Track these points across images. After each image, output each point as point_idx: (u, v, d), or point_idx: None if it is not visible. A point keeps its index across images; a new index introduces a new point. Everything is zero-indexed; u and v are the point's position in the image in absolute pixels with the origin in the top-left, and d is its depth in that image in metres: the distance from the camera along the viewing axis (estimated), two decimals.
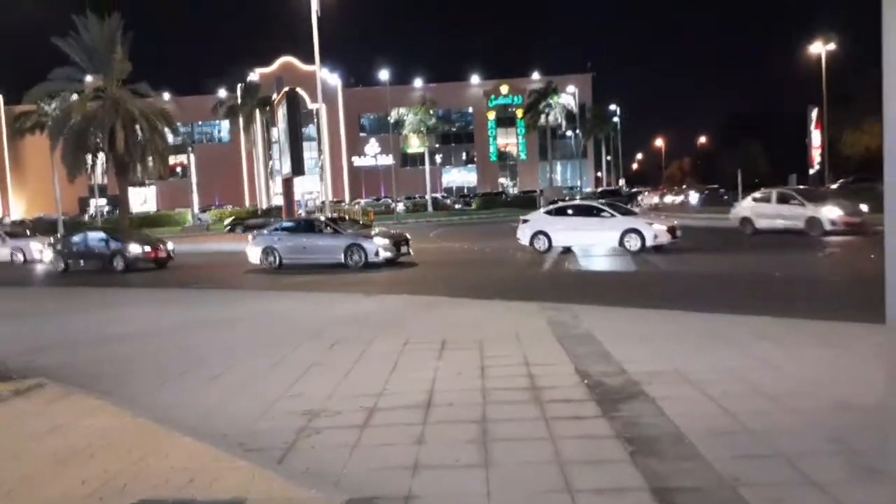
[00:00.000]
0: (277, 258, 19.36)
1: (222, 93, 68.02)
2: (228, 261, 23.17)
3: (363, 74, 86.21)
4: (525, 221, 21.00)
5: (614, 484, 3.81)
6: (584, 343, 7.47)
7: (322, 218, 24.32)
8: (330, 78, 76.98)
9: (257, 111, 60.69)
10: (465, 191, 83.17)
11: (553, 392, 5.65)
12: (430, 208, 62.95)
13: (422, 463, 4.24)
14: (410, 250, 19.41)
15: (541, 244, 19.99)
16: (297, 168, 30.83)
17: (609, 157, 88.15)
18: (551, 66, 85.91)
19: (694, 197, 56.21)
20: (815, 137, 53.17)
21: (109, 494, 3.69)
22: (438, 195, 71.24)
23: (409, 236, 20.12)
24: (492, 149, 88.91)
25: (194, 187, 66.82)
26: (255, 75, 74.10)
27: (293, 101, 31.90)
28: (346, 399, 5.69)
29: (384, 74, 64.89)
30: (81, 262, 22.75)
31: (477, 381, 6.11)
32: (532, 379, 6.10)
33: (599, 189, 65.54)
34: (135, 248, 21.99)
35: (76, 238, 23.79)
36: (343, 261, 18.37)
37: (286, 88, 33.46)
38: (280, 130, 35.42)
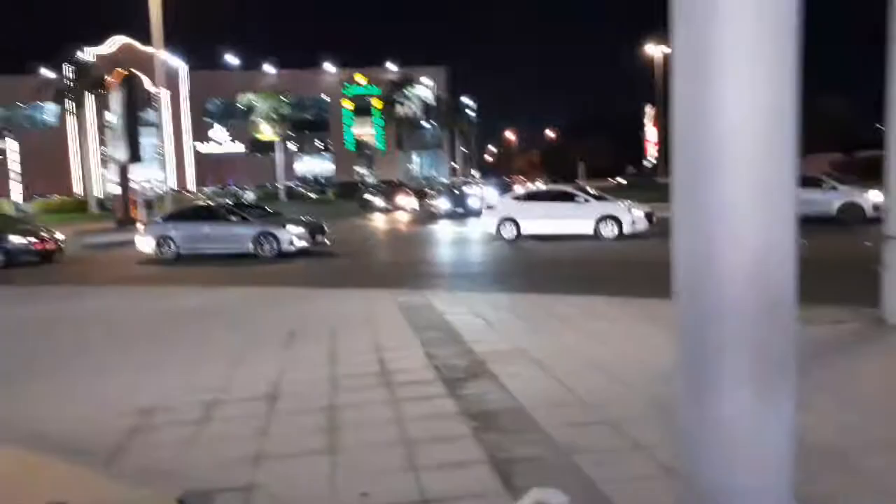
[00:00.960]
0: (174, 248, 17.74)
1: (49, 73, 61.82)
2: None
3: (210, 58, 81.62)
4: (490, 208, 19.92)
5: (457, 459, 3.92)
6: (434, 327, 7.62)
7: (228, 203, 22.42)
8: (172, 60, 72.44)
9: (91, 94, 55.80)
10: (322, 180, 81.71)
11: (402, 375, 5.72)
12: (283, 197, 61.23)
13: (265, 453, 4.13)
14: (327, 239, 18.29)
15: (508, 232, 18.81)
16: (134, 155, 28.90)
17: (464, 149, 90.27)
18: (407, 58, 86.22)
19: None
20: (651, 133, 57.71)
21: None
22: (292, 184, 69.40)
23: (325, 224, 18.99)
24: (348, 138, 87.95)
25: (15, 175, 60.38)
26: (87, 55, 68.08)
27: (130, 85, 29.85)
28: (185, 395, 5.41)
29: (232, 58, 62.14)
30: None
31: (326, 369, 6.05)
32: (382, 364, 6.13)
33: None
34: (17, 240, 18.62)
35: None
36: (253, 250, 17.03)
37: (122, 70, 31.15)
38: (116, 115, 32.91)
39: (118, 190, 34.31)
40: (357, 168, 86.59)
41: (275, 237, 17.09)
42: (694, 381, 1.55)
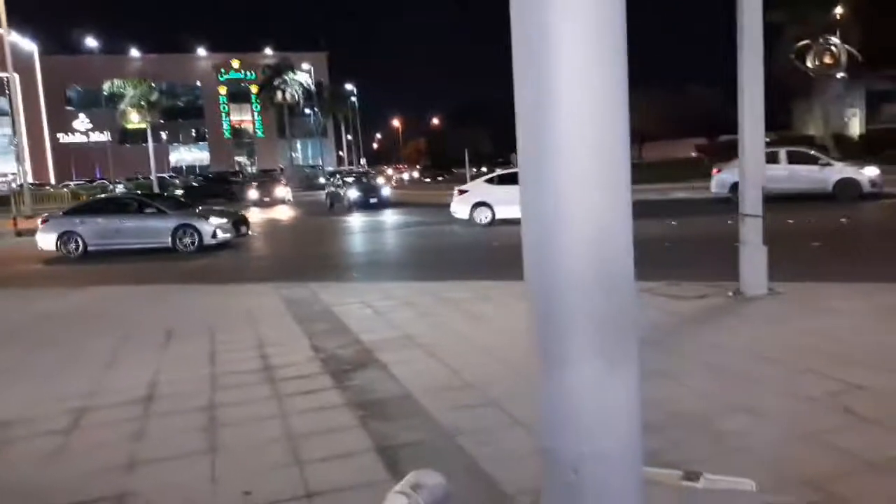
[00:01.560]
0: (80, 244, 16.16)
1: None
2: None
3: (68, 41, 75.90)
4: (463, 192, 19.18)
5: (342, 450, 3.91)
6: (321, 319, 7.53)
7: (140, 195, 20.39)
8: (22, 42, 66.53)
9: None
10: (197, 170, 78.06)
11: (287, 370, 5.61)
12: (156, 189, 57.98)
13: (140, 458, 3.94)
14: (251, 230, 17.37)
15: (483, 217, 18.21)
16: None
17: (349, 137, 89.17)
18: (285, 43, 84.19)
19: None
20: None
21: None
22: (166, 175, 65.86)
23: (247, 215, 17.98)
24: (225, 125, 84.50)
25: None
26: None
27: None
28: (49, 404, 5.04)
29: (93, 42, 57.86)
30: None
31: (206, 368, 5.83)
32: (266, 360, 5.99)
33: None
34: None
35: None
36: (171, 245, 15.85)
37: None
38: None
39: None
40: (237, 158, 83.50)
41: (196, 230, 16.01)
42: (545, 356, 1.64)
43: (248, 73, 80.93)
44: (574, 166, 1.52)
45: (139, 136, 68.03)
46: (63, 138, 73.32)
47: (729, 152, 14.95)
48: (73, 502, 3.29)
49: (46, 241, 16.57)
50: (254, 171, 72.68)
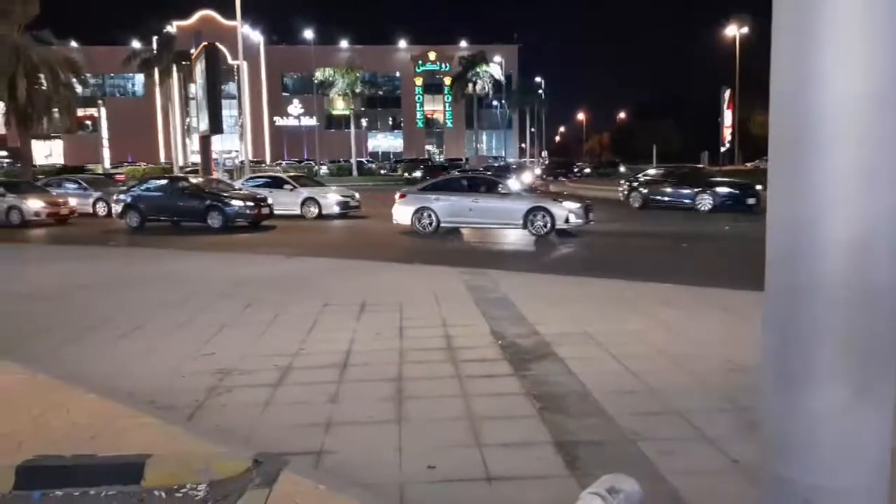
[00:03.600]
0: (434, 220, 16.51)
1: (136, 44, 64.33)
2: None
3: (287, 32, 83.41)
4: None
5: (521, 438, 3.95)
6: (500, 306, 7.63)
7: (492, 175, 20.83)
8: (252, 34, 74.18)
9: (174, 66, 57.66)
10: (391, 156, 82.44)
11: (468, 352, 5.77)
12: (354, 173, 62.10)
13: (335, 420, 4.26)
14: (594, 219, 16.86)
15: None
16: (215, 126, 29.78)
17: (533, 129, 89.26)
18: (479, 35, 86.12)
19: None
20: (727, 117, 55.50)
21: (2, 452, 3.53)
22: (364, 159, 70.28)
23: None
24: (418, 115, 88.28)
25: (105, 142, 63.35)
26: (172, 28, 70.45)
27: (212, 57, 30.66)
28: (260, 359, 5.62)
29: (309, 33, 63.11)
30: None
31: (395, 341, 6.16)
32: (448, 340, 6.20)
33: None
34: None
35: None
36: (522, 226, 15.79)
37: (205, 43, 32.08)
38: (198, 86, 34.02)
39: (199, 158, 35.63)
40: (427, 146, 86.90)
41: (549, 213, 15.66)
42: (780, 374, 1.48)
43: (443, 65, 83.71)
44: (837, 164, 1.35)
45: (343, 121, 73.34)
46: (278, 121, 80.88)
47: None
48: (282, 451, 3.63)
49: (402, 215, 16.99)
50: (441, 159, 75.21)
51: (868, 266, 1.37)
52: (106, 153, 62.53)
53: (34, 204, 20.66)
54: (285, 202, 21.64)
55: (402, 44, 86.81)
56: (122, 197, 20.23)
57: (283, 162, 66.49)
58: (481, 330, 6.56)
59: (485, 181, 18.00)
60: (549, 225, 15.66)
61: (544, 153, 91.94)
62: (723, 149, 55.08)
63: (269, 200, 20.16)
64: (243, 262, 11.93)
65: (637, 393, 4.76)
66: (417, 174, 42.54)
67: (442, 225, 16.58)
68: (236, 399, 4.69)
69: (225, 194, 19.79)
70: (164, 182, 21.98)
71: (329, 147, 72.03)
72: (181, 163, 59.48)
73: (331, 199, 22.25)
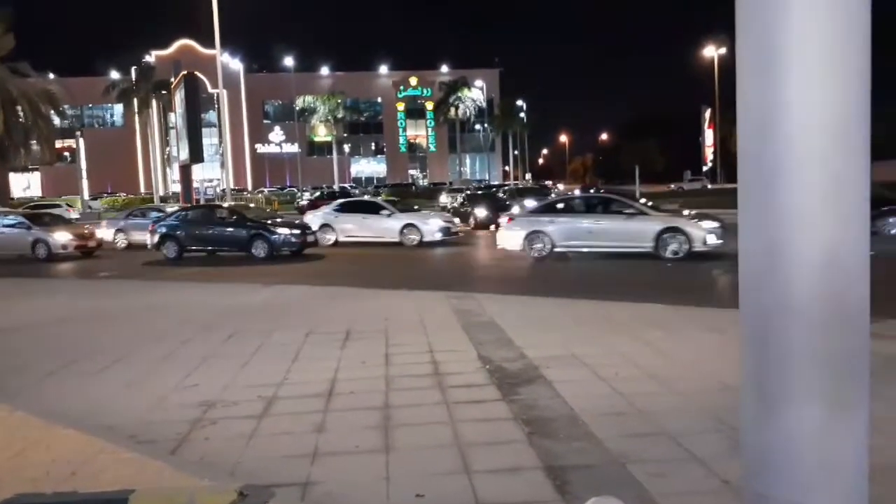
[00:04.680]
0: (547, 245, 15.26)
1: (115, 75, 64.32)
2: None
3: (267, 60, 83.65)
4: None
5: (510, 464, 3.92)
6: (487, 330, 7.62)
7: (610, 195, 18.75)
8: (231, 62, 74.54)
9: (153, 95, 57.83)
10: (374, 181, 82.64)
11: (456, 378, 5.74)
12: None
13: (322, 450, 4.21)
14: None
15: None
16: (196, 155, 29.76)
17: (516, 152, 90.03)
18: (460, 60, 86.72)
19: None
20: (708, 136, 56.38)
21: None
22: (347, 185, 70.43)
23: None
24: (401, 140, 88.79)
25: (83, 173, 62.90)
26: (151, 58, 70.59)
27: (192, 86, 30.74)
28: (244, 390, 5.55)
29: (289, 60, 63.43)
30: None
31: (381, 369, 6.12)
32: (436, 366, 6.17)
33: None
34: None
35: None
36: (653, 250, 14.42)
37: (184, 72, 32.18)
38: (178, 115, 34.02)
39: (179, 188, 35.53)
40: (410, 171, 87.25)
41: (685, 234, 14.37)
42: (759, 393, 1.49)
43: (425, 90, 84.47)
44: (805, 184, 1.38)
45: (325, 148, 73.57)
46: (260, 148, 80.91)
47: None
48: (268, 483, 3.57)
49: (510, 239, 15.85)
50: (425, 184, 75.52)
51: (838, 286, 1.40)
52: (85, 184, 62.05)
53: (61, 237, 19.69)
54: (381, 228, 20.24)
55: (384, 69, 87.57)
56: (158, 226, 19.00)
57: (266, 189, 66.36)
58: None
59: (604, 200, 16.66)
60: (685, 248, 14.31)
61: (528, 175, 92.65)
62: (705, 168, 55.87)
63: (350, 227, 20.35)
64: (227, 292, 11.82)
65: None
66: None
67: (556, 249, 15.32)
68: (220, 432, 4.62)
69: (268, 222, 18.77)
70: (203, 210, 21.18)
71: (311, 173, 72.05)
72: (161, 192, 59.22)
73: (433, 224, 20.43)
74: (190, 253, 18.51)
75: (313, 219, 20.93)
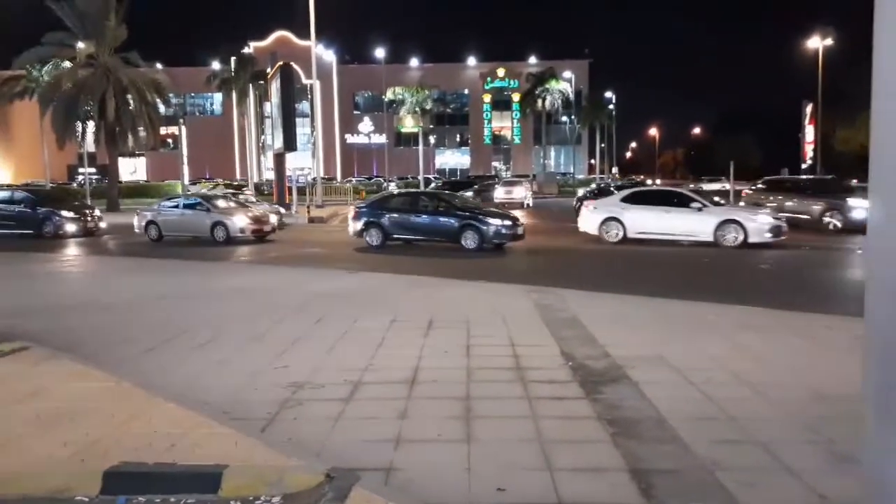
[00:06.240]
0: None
1: (216, 65, 67.22)
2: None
3: (358, 52, 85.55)
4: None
5: (594, 464, 3.85)
6: (570, 326, 7.52)
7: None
8: (325, 54, 76.39)
9: (251, 85, 60.05)
10: (458, 173, 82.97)
11: (537, 373, 5.69)
12: (422, 187, 62.71)
13: (405, 437, 4.26)
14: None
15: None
16: (290, 144, 30.68)
17: (603, 145, 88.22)
18: (548, 51, 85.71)
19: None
20: (809, 132, 53.38)
21: (90, 457, 3.69)
22: (431, 176, 71.08)
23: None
24: (486, 132, 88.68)
25: (185, 159, 66.20)
26: (249, 49, 73.30)
27: (287, 76, 31.68)
28: (331, 373, 5.70)
29: (380, 52, 64.43)
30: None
31: (462, 359, 6.14)
32: (517, 359, 6.14)
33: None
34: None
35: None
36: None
37: (280, 63, 33.21)
38: (273, 105, 35.21)
39: (273, 175, 36.82)
40: (494, 163, 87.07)
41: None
42: (885, 408, 1.38)
43: (512, 82, 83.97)
44: None
45: (411, 139, 74.47)
46: (349, 139, 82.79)
47: None
48: (353, 467, 3.66)
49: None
50: (508, 175, 75.14)
51: None
52: (185, 169, 65.32)
53: (240, 221, 19.67)
54: (687, 224, 16.91)
55: (471, 61, 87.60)
56: (362, 212, 18.10)
57: (353, 178, 67.86)
58: None
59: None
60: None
61: (615, 169, 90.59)
62: (804, 165, 52.96)
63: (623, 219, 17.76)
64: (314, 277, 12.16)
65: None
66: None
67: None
68: (307, 412, 4.76)
69: (478, 211, 17.67)
70: (409, 196, 20.20)
71: (398, 164, 73.16)
72: (256, 179, 61.55)
73: (761, 222, 16.60)
74: (393, 241, 17.68)
75: (593, 211, 18.58)
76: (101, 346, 6.72)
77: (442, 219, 17.15)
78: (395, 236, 17.65)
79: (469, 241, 16.54)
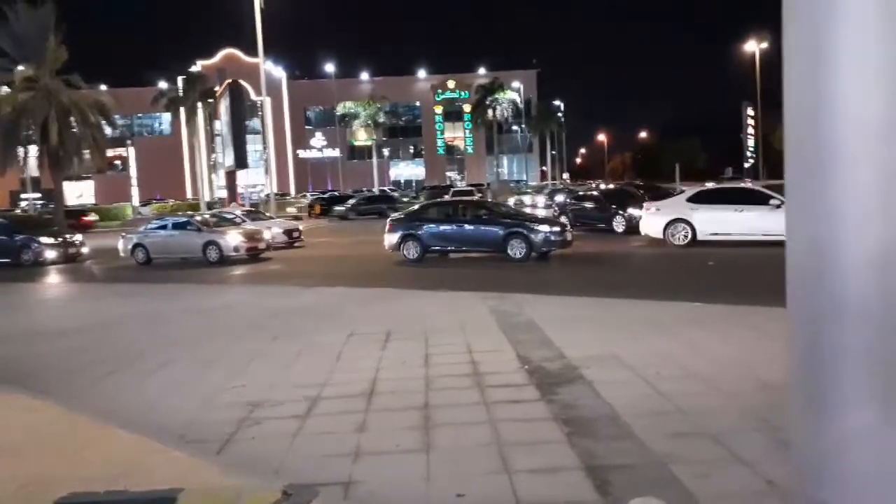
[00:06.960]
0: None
1: (163, 84, 66.08)
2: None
3: (308, 67, 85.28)
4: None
5: (550, 464, 3.91)
6: (526, 330, 7.60)
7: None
8: (274, 70, 75.73)
9: (199, 103, 59.03)
10: (413, 184, 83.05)
11: (494, 378, 5.75)
12: None
13: (364, 450, 4.27)
14: None
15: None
16: (241, 161, 30.40)
17: (554, 152, 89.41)
18: (497, 62, 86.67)
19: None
20: (750, 133, 55.16)
21: (39, 488, 3.59)
22: (387, 188, 70.96)
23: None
24: (439, 142, 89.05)
25: (134, 180, 64.80)
26: (196, 67, 72.23)
27: (236, 94, 31.42)
28: (288, 389, 5.66)
29: (330, 67, 64.22)
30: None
31: (420, 369, 6.16)
32: (475, 366, 6.18)
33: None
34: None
35: None
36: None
37: (229, 80, 32.93)
38: (223, 123, 34.81)
39: (225, 194, 36.30)
40: (448, 173, 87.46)
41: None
42: (809, 397, 1.43)
43: (462, 93, 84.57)
44: (858, 178, 1.32)
45: (365, 152, 74.30)
46: (302, 154, 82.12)
47: None
48: (312, 482, 3.64)
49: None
50: (463, 185, 75.50)
51: (891, 286, 1.34)
52: (135, 191, 63.89)
53: (233, 239, 18.59)
54: (766, 224, 14.92)
55: (422, 73, 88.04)
56: (397, 224, 16.91)
57: (308, 193, 67.27)
58: None
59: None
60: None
61: (565, 175, 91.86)
62: (746, 165, 54.65)
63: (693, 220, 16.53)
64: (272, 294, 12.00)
65: None
66: None
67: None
68: (265, 431, 4.71)
69: (524, 218, 16.97)
70: (447, 205, 18.96)
71: (352, 177, 72.79)
72: (207, 198, 60.51)
73: None
74: (431, 253, 16.43)
75: (655, 213, 17.43)
76: (54, 376, 6.53)
77: (485, 227, 15.97)
78: (434, 248, 16.42)
79: (516, 250, 15.28)
